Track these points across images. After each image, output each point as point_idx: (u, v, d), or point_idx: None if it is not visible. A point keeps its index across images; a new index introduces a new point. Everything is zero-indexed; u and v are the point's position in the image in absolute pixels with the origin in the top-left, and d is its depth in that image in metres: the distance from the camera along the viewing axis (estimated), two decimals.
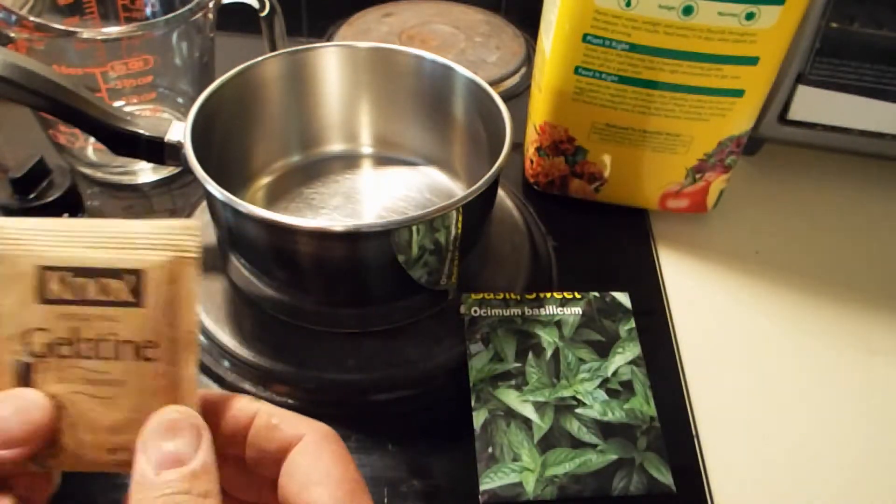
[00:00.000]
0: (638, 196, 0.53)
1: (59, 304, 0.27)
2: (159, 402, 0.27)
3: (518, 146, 0.56)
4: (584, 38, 0.45)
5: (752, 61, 0.44)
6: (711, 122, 0.47)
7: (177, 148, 0.43)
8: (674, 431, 0.41)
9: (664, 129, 0.48)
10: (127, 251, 0.27)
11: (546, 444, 0.39)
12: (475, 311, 0.44)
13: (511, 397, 0.41)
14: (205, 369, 0.42)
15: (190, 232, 0.27)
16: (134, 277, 0.27)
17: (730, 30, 0.42)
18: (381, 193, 0.52)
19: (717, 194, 0.52)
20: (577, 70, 0.46)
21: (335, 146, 0.55)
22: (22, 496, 0.27)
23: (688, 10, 0.42)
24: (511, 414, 0.40)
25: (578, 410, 0.40)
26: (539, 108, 0.51)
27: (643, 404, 0.41)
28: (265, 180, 0.52)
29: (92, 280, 0.27)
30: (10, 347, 0.27)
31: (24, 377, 0.27)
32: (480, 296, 0.45)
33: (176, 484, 0.23)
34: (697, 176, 0.51)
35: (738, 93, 0.45)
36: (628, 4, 0.42)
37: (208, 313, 0.44)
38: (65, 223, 0.27)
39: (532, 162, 0.54)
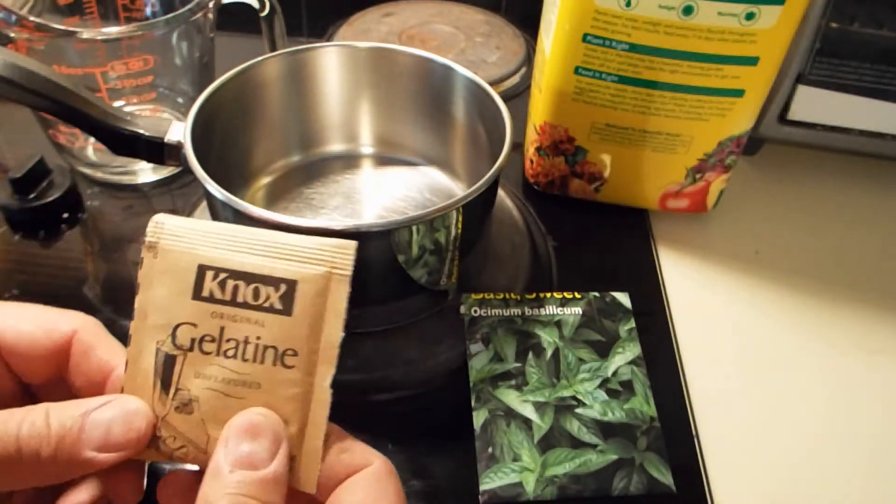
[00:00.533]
0: (638, 196, 0.53)
1: (211, 302, 0.28)
2: (290, 409, 0.28)
3: (518, 146, 0.56)
4: (584, 38, 0.45)
5: (753, 61, 0.44)
6: (711, 122, 0.47)
7: (177, 148, 0.43)
8: (674, 431, 0.41)
9: (664, 129, 0.48)
10: (284, 261, 0.28)
11: (546, 444, 0.39)
12: (475, 311, 0.44)
13: (511, 397, 0.41)
14: None
15: (346, 251, 0.28)
16: (286, 286, 0.28)
17: (730, 30, 0.42)
18: (381, 193, 0.52)
19: (717, 194, 0.52)
20: (577, 70, 0.46)
21: (335, 146, 0.55)
22: (110, 493, 0.28)
23: (688, 10, 0.42)
24: (511, 414, 0.40)
25: (578, 410, 0.40)
26: (539, 108, 0.50)
27: (643, 404, 0.41)
28: (265, 180, 0.52)
29: (246, 284, 0.28)
30: (155, 336, 0.28)
31: (165, 367, 0.28)
32: (480, 296, 0.45)
33: (245, 486, 0.24)
34: (697, 176, 0.51)
35: (738, 93, 0.45)
36: (628, 4, 0.42)
37: None
38: (228, 227, 0.28)
39: (532, 162, 0.54)
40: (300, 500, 0.27)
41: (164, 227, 0.28)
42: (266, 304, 0.28)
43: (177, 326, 0.28)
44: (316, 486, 0.27)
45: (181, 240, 0.28)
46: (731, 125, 0.47)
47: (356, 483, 0.26)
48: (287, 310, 0.28)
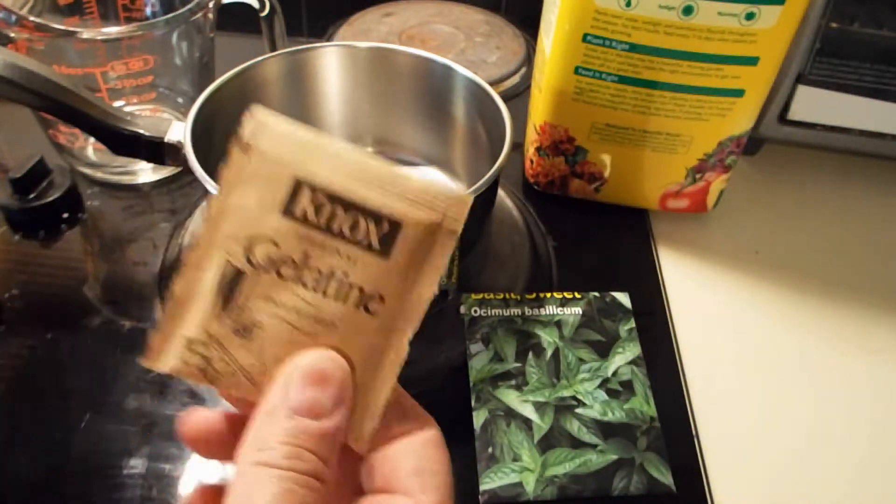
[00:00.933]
0: (638, 196, 0.53)
1: (301, 223, 0.24)
2: (362, 359, 0.25)
3: (518, 146, 0.56)
4: (584, 38, 0.45)
5: (753, 61, 0.44)
6: (711, 122, 0.47)
7: (177, 148, 0.43)
8: (674, 431, 0.41)
9: (664, 129, 0.48)
10: (394, 197, 0.25)
11: (546, 444, 0.39)
12: (475, 311, 0.44)
13: (511, 397, 0.41)
14: None
15: (462, 202, 0.25)
16: (389, 225, 0.25)
17: (730, 30, 0.42)
18: None
19: (718, 194, 0.52)
20: (577, 70, 0.46)
21: None
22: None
23: (688, 10, 0.42)
24: (511, 414, 0.40)
25: (578, 410, 0.40)
26: (539, 108, 0.50)
27: (643, 404, 0.41)
28: None
29: (345, 212, 0.24)
30: (227, 246, 0.24)
31: (233, 282, 0.24)
32: (480, 296, 0.45)
33: (304, 437, 0.22)
34: (697, 176, 0.51)
35: (739, 93, 0.45)
36: (628, 4, 0.42)
37: None
38: (340, 144, 0.25)
39: (532, 162, 0.54)
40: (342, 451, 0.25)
41: (267, 126, 0.25)
42: (363, 240, 0.25)
43: (256, 241, 0.24)
44: (368, 445, 0.24)
45: (282, 145, 0.25)
46: (731, 125, 0.47)
47: (411, 447, 0.24)
48: (385, 251, 0.25)
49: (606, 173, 0.52)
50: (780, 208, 0.57)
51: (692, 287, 0.50)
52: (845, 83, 0.51)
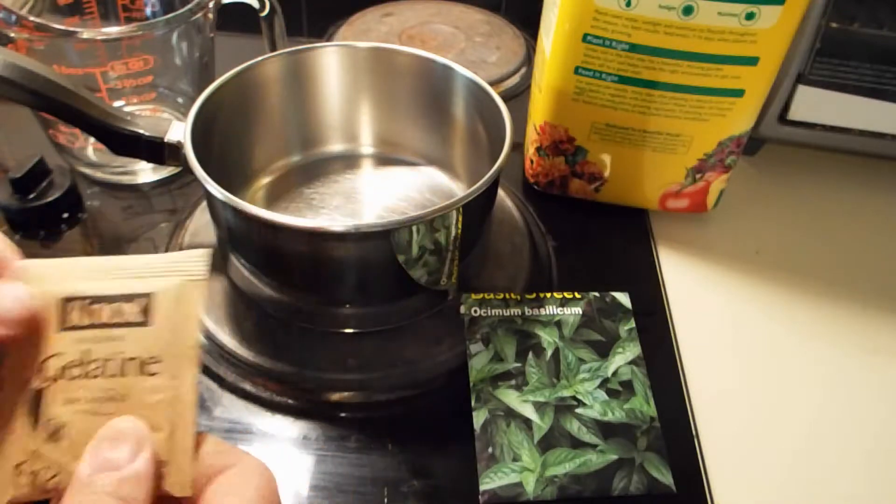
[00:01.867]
0: (638, 196, 0.53)
1: (75, 329, 0.29)
2: (158, 415, 0.28)
3: (518, 146, 0.56)
4: (584, 38, 0.45)
5: (753, 61, 0.44)
6: (711, 122, 0.47)
7: (177, 148, 0.43)
8: (674, 431, 0.41)
9: (664, 129, 0.48)
10: (140, 279, 0.29)
11: (546, 444, 0.39)
12: (475, 311, 0.44)
13: (511, 397, 0.41)
14: (205, 370, 0.42)
15: (198, 258, 0.30)
16: (145, 300, 0.29)
17: (730, 30, 0.42)
18: (381, 193, 0.52)
19: (718, 194, 0.52)
20: (577, 70, 0.46)
21: (335, 146, 0.55)
22: None
23: (688, 10, 0.42)
24: (511, 414, 0.40)
25: (578, 410, 0.40)
26: (539, 108, 0.50)
27: (643, 404, 0.41)
28: (265, 180, 0.52)
29: (108, 304, 0.29)
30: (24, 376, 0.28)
31: (34, 401, 0.28)
32: (480, 296, 0.45)
33: (106, 486, 0.24)
34: (697, 176, 0.51)
35: (739, 93, 0.45)
36: (628, 4, 0.42)
37: (209, 313, 0.44)
38: (88, 261, 0.30)
39: (532, 162, 0.54)
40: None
41: (27, 270, 0.29)
42: (126, 320, 0.29)
43: (44, 360, 0.28)
44: (190, 488, 0.27)
45: (43, 280, 0.29)
46: (731, 125, 0.47)
47: (221, 479, 0.26)
48: (147, 321, 0.29)
49: (606, 173, 0.52)
50: (780, 208, 0.57)
51: (692, 287, 0.50)
52: (845, 83, 0.51)
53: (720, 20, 0.42)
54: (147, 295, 0.29)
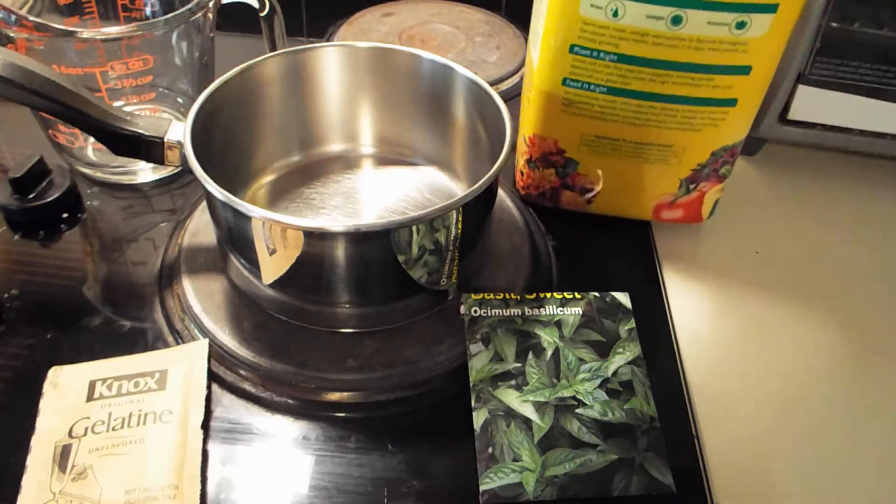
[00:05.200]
0: (631, 207, 0.52)
1: (100, 399, 0.38)
2: (170, 452, 0.36)
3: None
4: (571, 49, 0.44)
5: (745, 70, 0.43)
6: (704, 133, 0.46)
7: (177, 148, 0.43)
8: (674, 431, 0.41)
9: (656, 141, 0.47)
10: (157, 360, 0.41)
11: (546, 444, 0.39)
12: (475, 311, 0.44)
13: (511, 397, 0.41)
14: None
15: (202, 347, 0.42)
16: (160, 374, 0.40)
17: (720, 39, 0.41)
18: (381, 193, 0.52)
19: (713, 204, 0.52)
20: (564, 81, 0.46)
21: (335, 146, 0.55)
22: None
23: (676, 20, 0.41)
24: (511, 414, 0.40)
25: (578, 410, 0.40)
26: (528, 120, 0.50)
27: (643, 404, 0.41)
28: (265, 180, 0.52)
29: (128, 380, 0.39)
30: (53, 437, 0.37)
31: (63, 454, 0.36)
32: (480, 296, 0.45)
33: None
34: (691, 186, 0.50)
35: (731, 102, 0.45)
36: (615, 15, 0.42)
37: (208, 313, 0.44)
38: (114, 360, 0.41)
39: (522, 174, 0.53)
40: None
41: (63, 370, 0.40)
42: (147, 388, 0.39)
43: (73, 424, 0.37)
44: None
45: (76, 374, 0.40)
46: (724, 135, 0.47)
47: None
48: (162, 387, 0.39)
49: (598, 185, 0.51)
50: (780, 208, 0.57)
51: (692, 287, 0.50)
52: (845, 83, 0.51)
53: (710, 30, 0.41)
54: (164, 370, 0.39)
